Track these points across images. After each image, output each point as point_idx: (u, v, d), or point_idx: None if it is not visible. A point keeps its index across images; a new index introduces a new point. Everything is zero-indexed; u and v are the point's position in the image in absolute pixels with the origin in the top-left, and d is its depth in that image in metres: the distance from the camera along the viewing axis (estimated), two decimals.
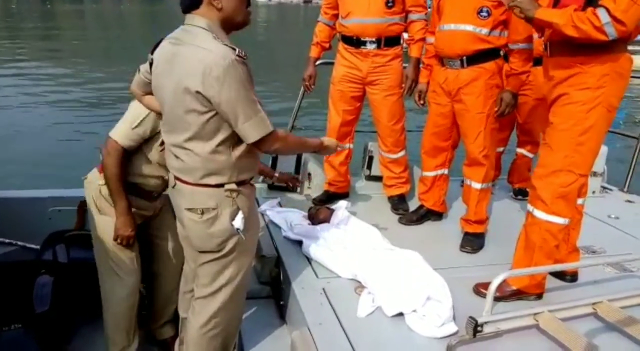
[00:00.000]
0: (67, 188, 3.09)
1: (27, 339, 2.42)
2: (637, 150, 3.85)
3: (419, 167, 3.29)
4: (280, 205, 3.23)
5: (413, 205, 3.28)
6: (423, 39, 3.04)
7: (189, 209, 1.87)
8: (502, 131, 3.38)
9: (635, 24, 1.93)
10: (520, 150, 3.73)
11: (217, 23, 1.79)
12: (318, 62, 3.35)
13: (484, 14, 2.59)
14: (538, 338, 1.98)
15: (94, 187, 2.23)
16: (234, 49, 1.72)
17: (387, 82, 3.11)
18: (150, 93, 2.00)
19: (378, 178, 3.50)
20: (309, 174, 3.49)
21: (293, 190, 3.40)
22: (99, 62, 17.36)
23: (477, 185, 2.83)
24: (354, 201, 3.29)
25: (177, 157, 1.86)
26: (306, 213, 2.97)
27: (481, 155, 2.78)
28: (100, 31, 30.90)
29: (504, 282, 2.03)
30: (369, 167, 3.57)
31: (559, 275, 2.48)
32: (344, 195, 3.40)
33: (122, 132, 2.11)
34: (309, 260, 2.55)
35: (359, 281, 2.33)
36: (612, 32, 1.90)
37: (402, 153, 3.29)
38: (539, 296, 2.31)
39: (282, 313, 2.44)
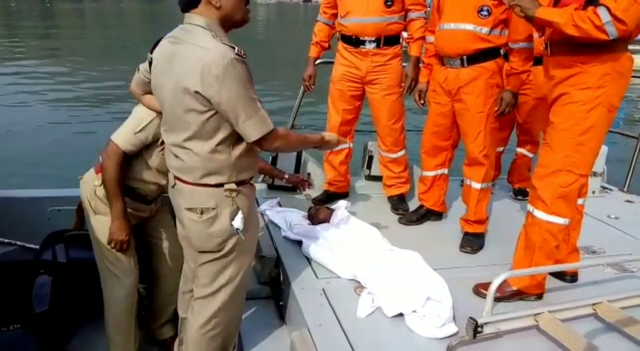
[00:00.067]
0: (67, 188, 3.07)
1: (27, 339, 2.41)
2: (637, 150, 3.84)
3: (418, 167, 3.29)
4: (279, 205, 3.22)
5: (413, 205, 3.28)
6: (423, 38, 3.03)
7: (189, 209, 1.86)
8: (502, 131, 3.37)
9: (636, 23, 1.92)
10: (520, 150, 3.72)
11: (216, 21, 1.78)
12: (317, 62, 3.34)
13: (485, 13, 2.58)
14: (538, 339, 1.97)
15: (89, 187, 2.22)
16: (233, 48, 1.71)
17: (386, 81, 3.10)
18: (150, 92, 1.99)
19: (378, 178, 3.50)
20: (309, 174, 3.48)
21: (302, 191, 3.35)
22: (99, 61, 17.30)
23: (477, 185, 2.83)
24: (354, 201, 3.29)
25: (176, 156, 1.85)
26: (306, 213, 2.97)
27: (481, 154, 2.77)
28: (100, 30, 30.86)
29: (504, 282, 2.02)
30: (369, 166, 3.57)
31: (559, 275, 2.47)
32: (343, 195, 3.39)
33: (124, 136, 2.10)
34: (308, 260, 2.54)
35: (358, 282, 2.32)
36: (612, 31, 1.89)
37: (401, 153, 3.29)
38: (539, 296, 2.30)
39: (281, 314, 2.43)
